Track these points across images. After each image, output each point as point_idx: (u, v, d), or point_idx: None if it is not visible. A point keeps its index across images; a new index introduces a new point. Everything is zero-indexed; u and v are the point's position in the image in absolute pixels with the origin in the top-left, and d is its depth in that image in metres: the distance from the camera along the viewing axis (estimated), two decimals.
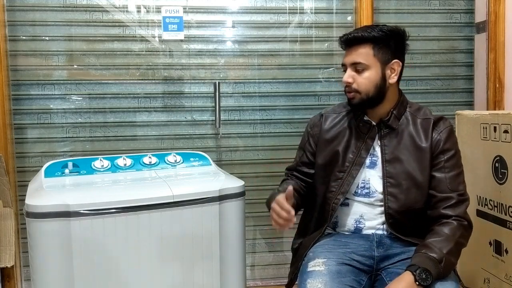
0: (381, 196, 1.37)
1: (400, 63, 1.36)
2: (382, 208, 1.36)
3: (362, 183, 1.39)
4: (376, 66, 1.33)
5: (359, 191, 1.39)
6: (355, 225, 1.40)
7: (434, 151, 1.34)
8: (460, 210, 1.30)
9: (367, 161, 1.39)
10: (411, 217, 1.35)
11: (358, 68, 1.34)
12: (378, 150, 1.39)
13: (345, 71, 1.37)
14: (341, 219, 1.43)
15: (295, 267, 1.44)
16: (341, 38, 1.38)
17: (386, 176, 1.36)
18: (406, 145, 1.36)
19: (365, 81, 1.33)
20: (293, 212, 1.26)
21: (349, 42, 1.36)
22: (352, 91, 1.35)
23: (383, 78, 1.34)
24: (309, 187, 1.50)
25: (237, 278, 1.50)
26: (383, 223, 1.37)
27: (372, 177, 1.39)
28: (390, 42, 1.34)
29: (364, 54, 1.33)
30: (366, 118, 1.40)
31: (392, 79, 1.35)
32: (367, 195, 1.39)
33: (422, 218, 1.35)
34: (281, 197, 1.29)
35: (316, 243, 1.43)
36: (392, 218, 1.35)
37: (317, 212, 1.45)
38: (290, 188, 1.29)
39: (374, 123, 1.39)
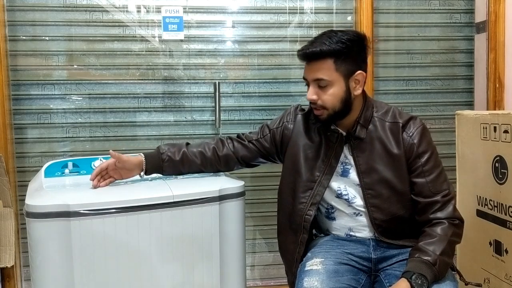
0: (360, 203, 1.35)
1: (365, 74, 1.30)
2: (368, 219, 1.35)
3: (338, 189, 1.37)
4: (340, 80, 1.27)
5: (339, 196, 1.37)
6: (348, 238, 1.40)
7: (409, 157, 1.30)
8: (448, 211, 1.29)
9: (339, 169, 1.36)
10: (400, 225, 1.34)
11: (321, 84, 1.27)
12: (350, 159, 1.35)
13: (307, 85, 1.31)
14: (332, 232, 1.43)
15: (290, 278, 1.43)
16: (299, 52, 1.29)
17: (365, 188, 1.33)
18: (378, 153, 1.32)
19: (330, 97, 1.27)
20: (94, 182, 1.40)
21: (308, 57, 1.27)
22: (319, 108, 1.30)
23: (348, 91, 1.28)
24: (252, 161, 1.52)
25: (237, 278, 1.50)
26: (374, 233, 1.37)
27: (347, 184, 1.36)
28: (351, 52, 1.26)
29: (325, 69, 1.25)
30: (333, 127, 1.34)
31: (357, 90, 1.30)
32: (347, 201, 1.37)
33: (411, 224, 1.34)
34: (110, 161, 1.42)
35: (313, 242, 1.44)
36: (380, 227, 1.34)
37: (287, 219, 1.43)
38: (109, 160, 1.42)
39: (343, 132, 1.35)
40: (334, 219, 1.40)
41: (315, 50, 1.25)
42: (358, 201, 1.36)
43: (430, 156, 1.31)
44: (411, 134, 1.31)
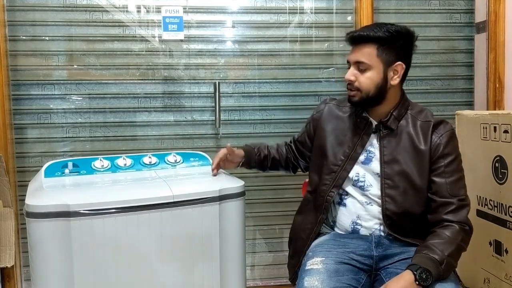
0: (375, 192, 1.37)
1: (404, 66, 1.35)
2: (379, 208, 1.36)
3: (356, 176, 1.40)
4: (379, 67, 1.33)
5: (354, 183, 1.40)
6: (352, 226, 1.40)
7: (433, 155, 1.33)
8: (461, 215, 1.30)
9: (362, 157, 1.40)
10: (410, 221, 1.35)
11: (360, 67, 1.34)
12: (375, 148, 1.39)
13: (349, 68, 1.38)
14: (339, 219, 1.44)
15: (295, 261, 1.47)
16: (347, 35, 1.38)
17: (384, 178, 1.36)
18: (404, 146, 1.36)
19: (367, 80, 1.33)
20: (214, 170, 1.58)
21: (355, 40, 1.35)
22: (354, 89, 1.36)
23: (385, 79, 1.34)
24: (297, 161, 1.63)
25: (237, 278, 1.50)
26: (380, 224, 1.38)
27: (367, 172, 1.39)
28: (396, 43, 1.33)
29: (367, 54, 1.32)
30: (364, 114, 1.40)
31: (394, 80, 1.35)
32: (362, 188, 1.39)
33: (421, 222, 1.35)
34: (226, 151, 1.57)
35: (315, 241, 1.44)
36: (390, 219, 1.35)
37: (314, 199, 1.48)
38: (224, 150, 1.57)
39: (373, 121, 1.40)
40: (345, 205, 1.42)
41: (362, 34, 1.33)
42: (373, 190, 1.38)
43: (454, 159, 1.34)
44: (440, 135, 1.34)
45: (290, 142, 1.66)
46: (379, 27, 1.33)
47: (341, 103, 1.50)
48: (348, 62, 1.39)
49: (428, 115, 1.39)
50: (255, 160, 1.61)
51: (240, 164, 1.62)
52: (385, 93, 1.35)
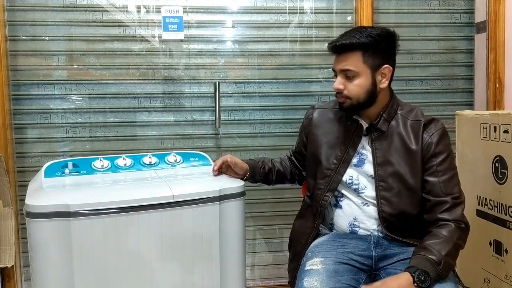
0: (370, 194, 1.37)
1: (391, 68, 1.34)
2: (375, 208, 1.36)
3: (350, 179, 1.40)
4: (366, 72, 1.31)
5: (348, 186, 1.40)
6: (350, 228, 1.40)
7: (425, 155, 1.33)
8: (456, 213, 1.29)
9: (355, 159, 1.40)
10: (406, 221, 1.35)
11: (348, 75, 1.31)
12: (367, 151, 1.38)
13: (336, 76, 1.36)
14: (336, 222, 1.44)
15: (295, 264, 1.47)
16: (330, 44, 1.35)
17: (378, 180, 1.35)
18: (396, 147, 1.35)
19: (356, 88, 1.31)
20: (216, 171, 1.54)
21: (338, 49, 1.32)
22: (343, 97, 1.34)
23: (374, 84, 1.32)
24: (301, 173, 1.62)
25: (237, 278, 1.50)
26: (378, 225, 1.37)
27: (360, 174, 1.39)
28: (380, 46, 1.31)
29: (353, 61, 1.30)
30: (354, 117, 1.40)
31: (383, 84, 1.34)
32: (356, 191, 1.39)
33: (418, 223, 1.35)
34: (229, 158, 1.53)
35: (314, 242, 1.44)
36: (387, 221, 1.35)
37: (312, 204, 1.48)
38: (226, 159, 1.54)
39: (364, 124, 1.39)
40: (341, 207, 1.42)
41: (344, 43, 1.30)
42: (368, 192, 1.37)
43: (446, 157, 1.33)
44: (431, 133, 1.34)
45: (290, 155, 1.64)
46: (360, 33, 1.30)
47: (330, 106, 1.49)
48: (334, 70, 1.36)
49: (418, 114, 1.37)
50: (260, 174, 1.58)
51: (245, 178, 1.57)
52: (376, 97, 1.34)
